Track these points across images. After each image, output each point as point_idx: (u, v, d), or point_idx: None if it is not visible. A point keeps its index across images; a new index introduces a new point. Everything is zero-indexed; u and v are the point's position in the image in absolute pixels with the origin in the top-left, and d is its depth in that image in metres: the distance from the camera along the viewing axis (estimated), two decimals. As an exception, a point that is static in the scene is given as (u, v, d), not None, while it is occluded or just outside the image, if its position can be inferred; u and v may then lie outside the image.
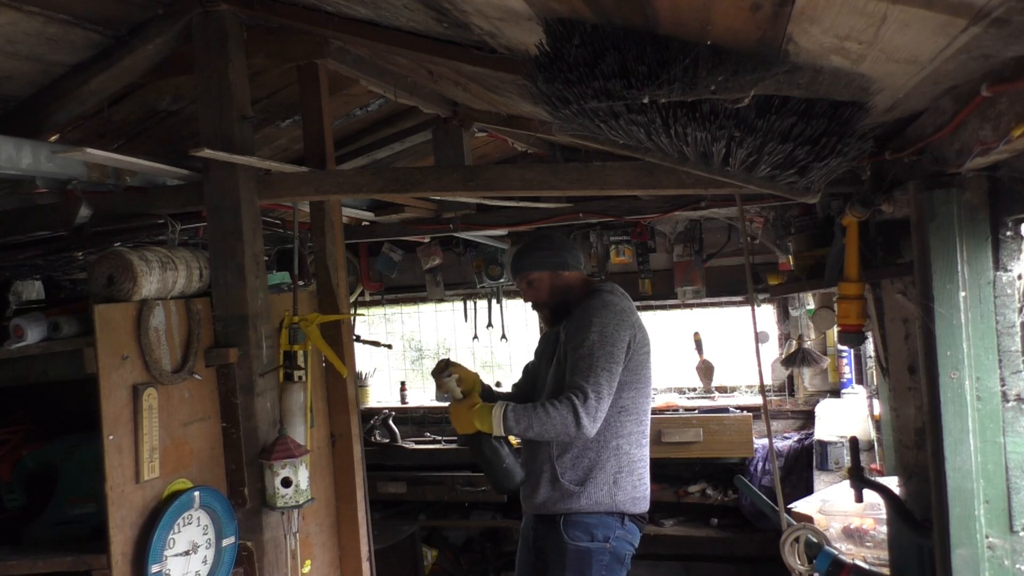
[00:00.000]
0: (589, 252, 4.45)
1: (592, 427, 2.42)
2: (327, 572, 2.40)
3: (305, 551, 2.26)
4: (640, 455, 2.64)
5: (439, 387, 2.63)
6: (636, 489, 2.61)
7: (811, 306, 3.86)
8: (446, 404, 2.62)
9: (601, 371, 2.46)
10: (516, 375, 3.01)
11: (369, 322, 5.54)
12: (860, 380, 3.98)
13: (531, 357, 2.95)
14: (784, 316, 4.47)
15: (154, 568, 1.80)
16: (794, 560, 2.24)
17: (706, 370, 4.55)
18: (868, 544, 2.70)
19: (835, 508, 2.88)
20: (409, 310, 5.52)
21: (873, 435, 3.63)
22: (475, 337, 4.98)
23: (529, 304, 2.87)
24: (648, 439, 2.70)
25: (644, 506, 2.65)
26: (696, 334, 4.52)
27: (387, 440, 4.79)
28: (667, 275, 4.46)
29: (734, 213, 3.57)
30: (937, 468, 1.59)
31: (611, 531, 2.55)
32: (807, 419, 4.40)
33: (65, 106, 2.25)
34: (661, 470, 4.42)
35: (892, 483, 2.24)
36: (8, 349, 1.86)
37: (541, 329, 4.54)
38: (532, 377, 2.89)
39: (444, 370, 2.62)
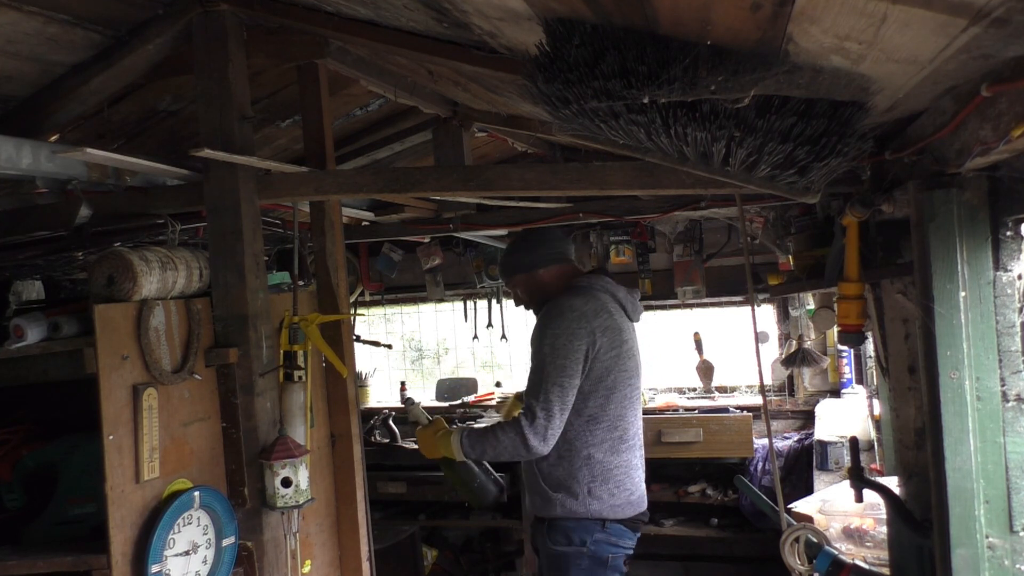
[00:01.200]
0: (589, 252, 4.46)
1: (543, 446, 2.39)
2: (327, 572, 2.40)
3: (305, 551, 2.26)
4: (616, 462, 2.53)
5: (409, 415, 2.72)
6: (614, 497, 2.52)
7: (811, 306, 3.86)
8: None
9: (552, 387, 2.39)
10: (516, 375, 3.01)
11: (369, 322, 5.54)
12: (860, 380, 3.98)
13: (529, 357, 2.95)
14: (784, 316, 4.47)
15: (154, 568, 1.80)
16: (794, 560, 2.25)
17: (706, 370, 4.56)
18: (868, 544, 2.69)
19: (835, 508, 2.88)
20: (409, 310, 5.52)
21: (873, 435, 3.63)
22: (475, 337, 4.97)
23: (519, 307, 2.85)
24: (631, 443, 2.59)
25: (629, 511, 2.56)
26: (696, 334, 4.53)
27: (387, 440, 4.79)
28: (667, 275, 4.46)
29: (734, 213, 3.57)
30: (937, 468, 1.59)
31: (588, 535, 2.50)
32: (807, 419, 4.40)
33: (65, 106, 2.25)
34: (661, 470, 4.43)
35: (892, 483, 2.24)
36: (8, 349, 1.86)
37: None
38: None
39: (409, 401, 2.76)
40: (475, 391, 5.03)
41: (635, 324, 2.71)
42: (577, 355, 2.42)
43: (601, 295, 2.57)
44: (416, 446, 2.58)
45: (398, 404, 5.19)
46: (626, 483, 2.56)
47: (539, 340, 2.47)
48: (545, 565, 2.60)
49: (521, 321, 4.98)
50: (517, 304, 2.82)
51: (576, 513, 2.49)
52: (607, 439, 2.52)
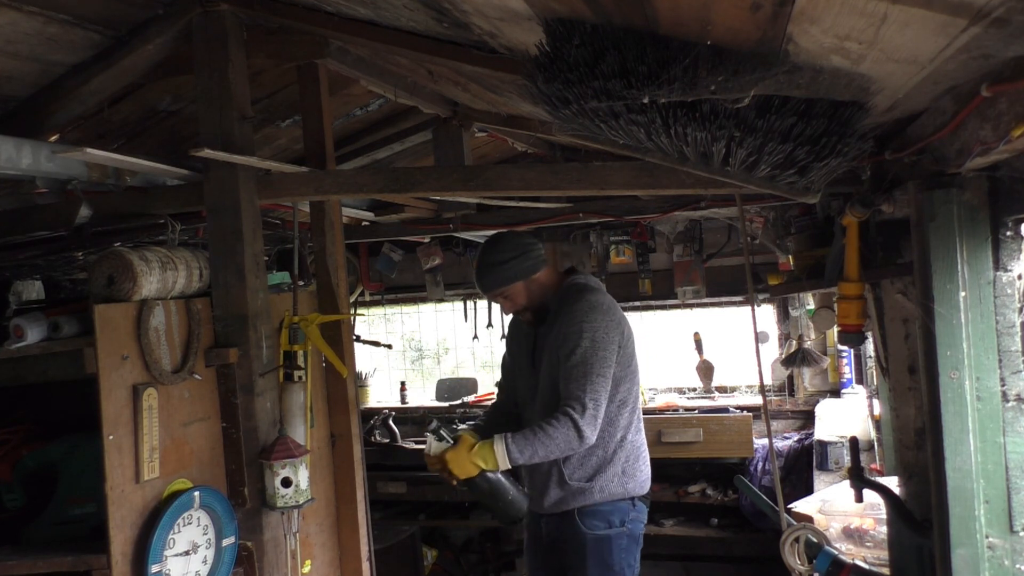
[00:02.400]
0: (589, 252, 4.45)
1: (593, 436, 2.45)
2: (327, 572, 2.40)
3: (305, 551, 2.26)
4: (640, 440, 2.71)
5: (431, 449, 2.47)
6: (642, 473, 2.68)
7: (811, 306, 3.86)
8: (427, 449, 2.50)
9: (597, 378, 2.47)
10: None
11: (369, 322, 5.54)
12: (860, 380, 3.98)
13: (510, 358, 2.93)
14: (784, 316, 4.47)
15: (154, 568, 1.80)
16: (794, 560, 2.24)
17: (706, 370, 4.55)
18: (868, 544, 2.70)
19: (835, 508, 2.88)
20: (409, 310, 5.52)
21: (873, 435, 3.63)
22: (475, 337, 4.97)
23: (509, 314, 2.81)
24: (642, 421, 2.74)
25: (648, 486, 2.71)
26: (696, 334, 4.53)
27: (387, 440, 4.79)
28: (667, 275, 4.46)
29: (734, 213, 3.57)
30: (937, 468, 1.59)
31: (626, 515, 2.62)
32: (807, 419, 4.40)
33: (65, 106, 2.25)
34: (661, 470, 4.40)
35: (892, 483, 2.24)
36: (8, 349, 1.86)
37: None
38: (512, 381, 2.88)
39: (431, 425, 2.54)
40: (475, 391, 5.03)
41: None
42: (613, 346, 2.54)
43: (607, 295, 2.70)
44: (416, 446, 2.51)
45: (398, 404, 5.19)
46: (647, 458, 2.74)
47: (576, 336, 2.51)
48: (576, 553, 2.61)
49: (521, 321, 4.98)
50: (509, 311, 2.77)
51: (614, 495, 2.60)
52: (632, 420, 2.67)
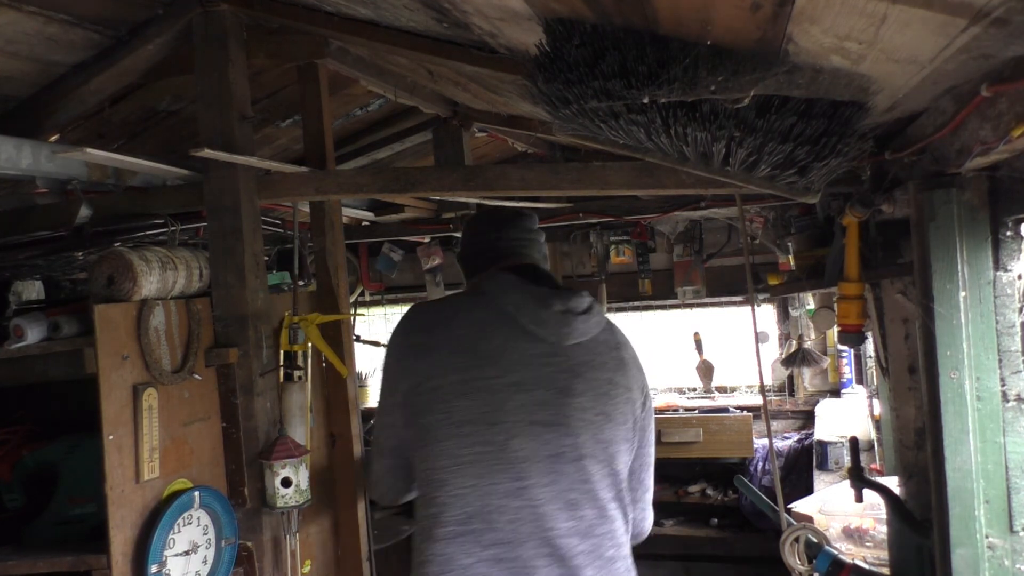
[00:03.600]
0: (589, 252, 4.45)
1: (378, 499, 1.94)
2: (327, 572, 2.40)
3: (305, 551, 2.26)
4: (474, 563, 1.57)
5: None
6: None
7: (811, 306, 3.86)
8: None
9: (376, 427, 1.84)
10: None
11: (369, 322, 5.54)
12: (860, 380, 3.99)
13: None
14: (784, 316, 4.47)
15: (154, 568, 1.80)
16: (794, 560, 2.25)
17: (706, 370, 4.56)
18: (868, 544, 2.70)
19: (835, 508, 2.89)
20: (409, 310, 5.51)
21: (873, 435, 3.63)
22: (475, 337, 4.96)
23: None
24: (522, 529, 1.61)
25: None
26: (696, 334, 4.53)
27: (387, 440, 4.78)
28: (667, 275, 4.46)
29: (734, 213, 3.57)
30: (937, 468, 1.59)
31: None
32: (807, 419, 4.40)
33: (65, 106, 2.25)
34: (661, 470, 4.41)
35: (892, 483, 2.24)
36: (8, 349, 1.86)
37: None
38: None
39: None
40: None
41: None
42: (390, 385, 1.91)
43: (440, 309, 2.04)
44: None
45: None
46: None
47: None
48: None
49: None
50: None
51: None
52: (462, 524, 1.74)
